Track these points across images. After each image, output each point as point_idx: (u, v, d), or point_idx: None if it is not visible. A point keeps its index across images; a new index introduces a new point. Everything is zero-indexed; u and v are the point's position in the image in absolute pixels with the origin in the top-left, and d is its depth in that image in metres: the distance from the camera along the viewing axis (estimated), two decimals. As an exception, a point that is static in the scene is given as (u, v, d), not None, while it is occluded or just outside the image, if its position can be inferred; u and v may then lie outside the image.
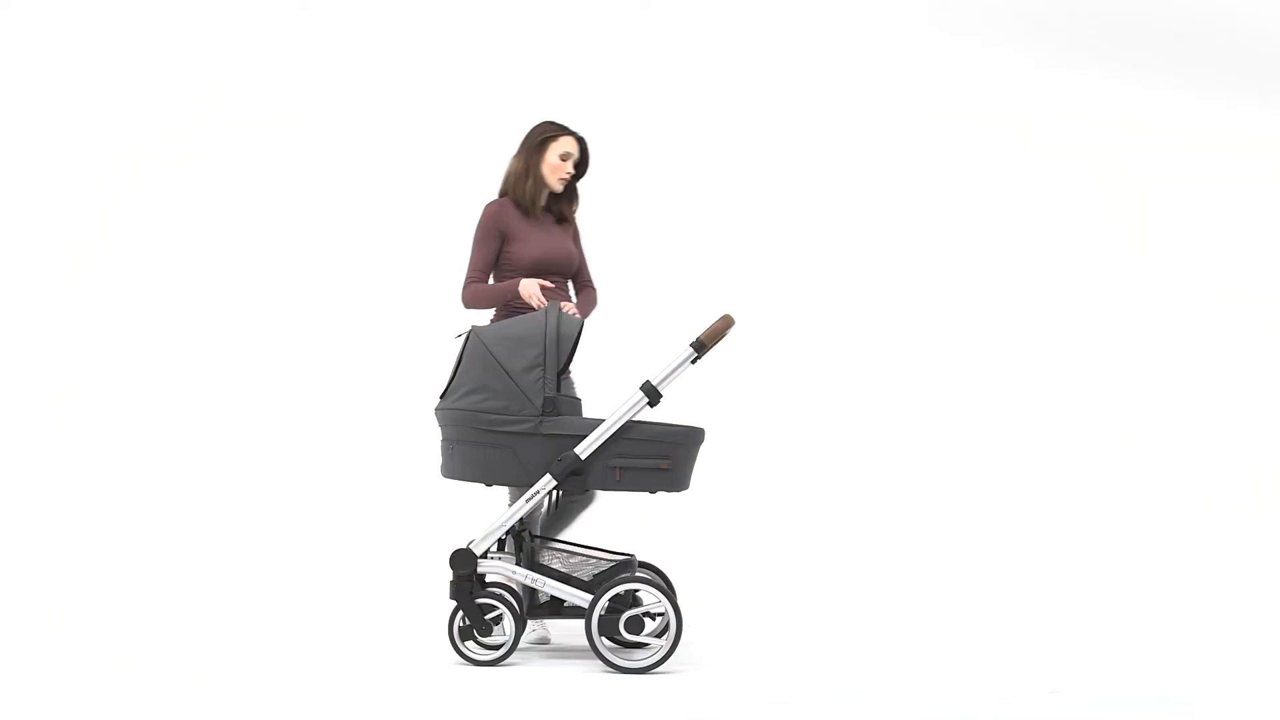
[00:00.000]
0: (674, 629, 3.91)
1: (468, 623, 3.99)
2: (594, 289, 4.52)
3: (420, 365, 6.03)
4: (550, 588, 4.00)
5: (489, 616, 3.99)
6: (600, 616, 3.92)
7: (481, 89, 6.28)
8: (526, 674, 3.91)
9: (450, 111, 6.27)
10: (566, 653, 4.20)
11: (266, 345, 6.05)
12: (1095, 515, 5.88)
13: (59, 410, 5.95)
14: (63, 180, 6.11)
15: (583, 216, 4.55)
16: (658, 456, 3.90)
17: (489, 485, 4.09)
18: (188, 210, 6.15)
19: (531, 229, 4.35)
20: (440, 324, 6.06)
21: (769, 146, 6.26)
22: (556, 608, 4.06)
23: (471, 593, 3.99)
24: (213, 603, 4.87)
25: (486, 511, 4.22)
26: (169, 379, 6.02)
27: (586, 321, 4.33)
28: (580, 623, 3.99)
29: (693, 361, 4.09)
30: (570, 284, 4.50)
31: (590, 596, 3.95)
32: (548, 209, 4.42)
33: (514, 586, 4.14)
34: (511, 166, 4.42)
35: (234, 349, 6.05)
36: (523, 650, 4.16)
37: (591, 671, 3.93)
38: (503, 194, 4.43)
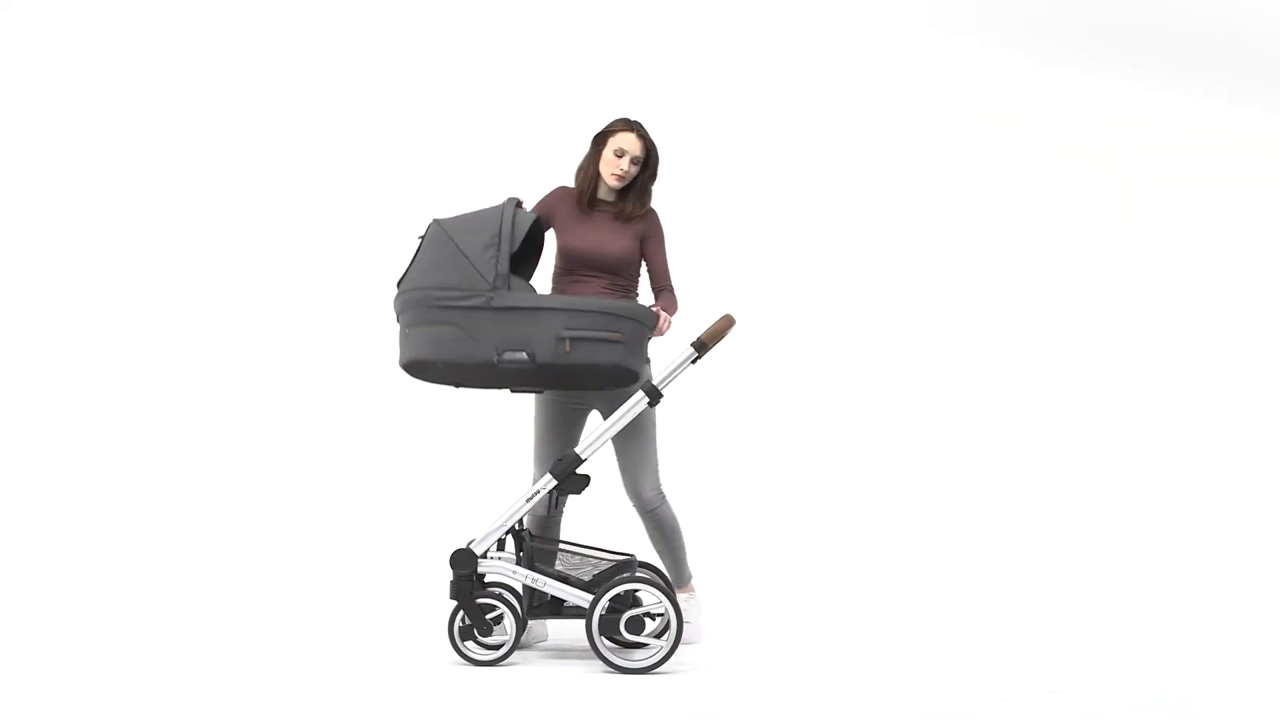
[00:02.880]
0: (674, 629, 3.91)
1: (468, 623, 3.99)
2: (670, 291, 4.33)
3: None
4: (550, 588, 4.00)
5: (489, 616, 3.99)
6: (601, 616, 3.92)
7: (481, 89, 6.28)
8: (526, 674, 3.91)
9: (450, 111, 6.26)
10: (566, 653, 4.20)
11: (267, 345, 6.04)
12: (1095, 515, 5.88)
13: (59, 410, 5.94)
14: (63, 180, 6.11)
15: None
16: (607, 329, 3.88)
17: (450, 372, 3.98)
18: (188, 210, 6.14)
19: (575, 221, 4.27)
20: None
21: (769, 146, 6.25)
22: (556, 608, 4.06)
23: (472, 593, 3.99)
24: (213, 603, 4.87)
25: (486, 511, 4.22)
26: (169, 379, 6.01)
27: (661, 324, 4.17)
28: (580, 623, 3.99)
29: (693, 361, 4.10)
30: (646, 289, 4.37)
31: (590, 596, 3.95)
32: (616, 206, 4.31)
33: (514, 586, 4.14)
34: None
35: (234, 349, 6.04)
36: (523, 650, 4.16)
37: (591, 671, 3.93)
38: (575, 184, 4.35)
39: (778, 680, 3.90)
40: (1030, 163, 6.36)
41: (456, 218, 4.01)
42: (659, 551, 4.35)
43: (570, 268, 4.28)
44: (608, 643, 3.94)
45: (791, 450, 6.06)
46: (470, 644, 4.01)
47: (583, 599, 3.97)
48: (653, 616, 3.95)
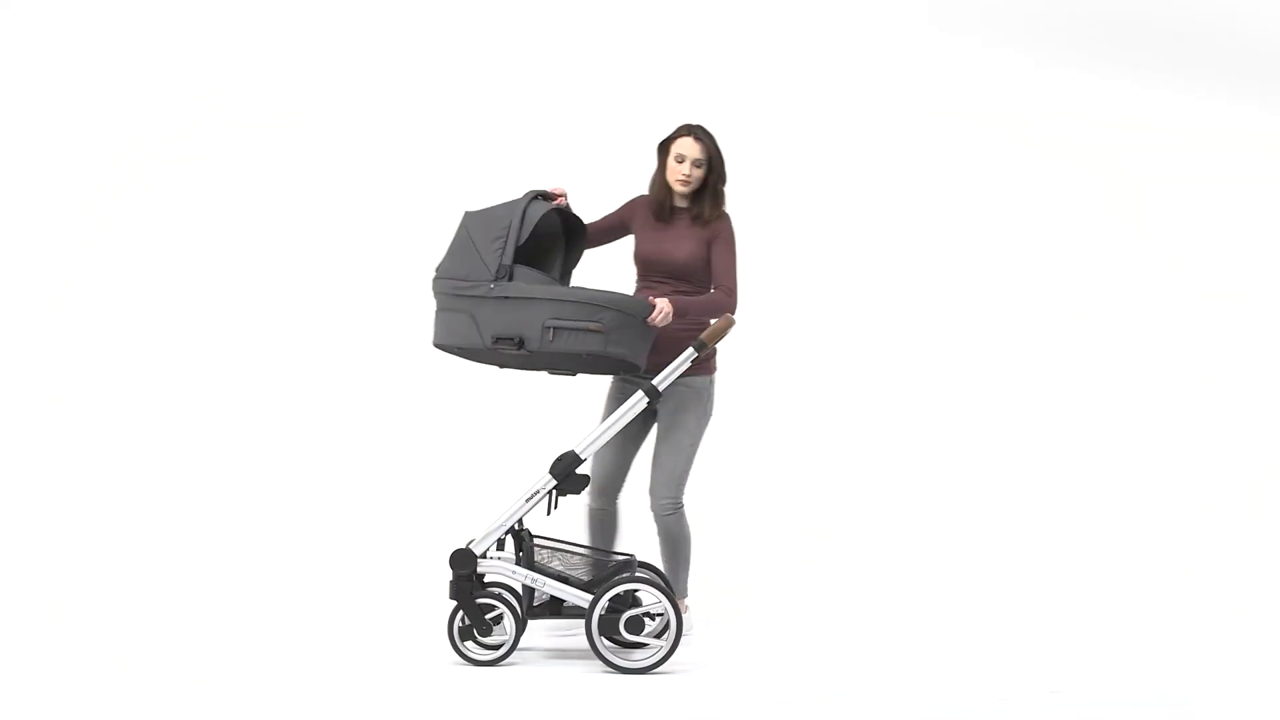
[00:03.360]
0: (674, 629, 3.91)
1: (468, 623, 3.99)
2: (720, 293, 4.28)
3: (420, 365, 6.03)
4: (550, 588, 4.01)
5: (489, 616, 3.99)
6: (600, 616, 3.92)
7: (481, 89, 6.28)
8: (526, 674, 3.91)
9: (450, 111, 6.26)
10: (566, 653, 4.20)
11: (267, 345, 6.04)
12: (1095, 515, 5.87)
13: (59, 410, 5.94)
14: (63, 180, 6.11)
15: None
16: (589, 319, 3.95)
17: (454, 351, 4.18)
18: (187, 210, 6.14)
19: (650, 229, 4.34)
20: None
21: (769, 146, 6.24)
22: (556, 608, 4.06)
23: (471, 593, 3.99)
24: (213, 603, 4.87)
25: (486, 511, 4.22)
26: (169, 379, 6.01)
27: (698, 321, 4.23)
28: (579, 623, 3.99)
29: (693, 361, 4.10)
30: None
31: (590, 596, 3.95)
32: (689, 211, 4.34)
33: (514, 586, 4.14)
34: None
35: (234, 348, 6.04)
36: (523, 650, 4.15)
37: (591, 671, 3.93)
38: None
39: (777, 680, 3.90)
40: (1030, 163, 6.35)
41: (481, 210, 4.14)
42: (662, 558, 4.35)
43: (643, 273, 4.36)
44: (607, 643, 3.94)
45: (792, 450, 6.06)
46: (470, 644, 4.01)
47: (582, 599, 3.97)
48: (652, 616, 3.96)
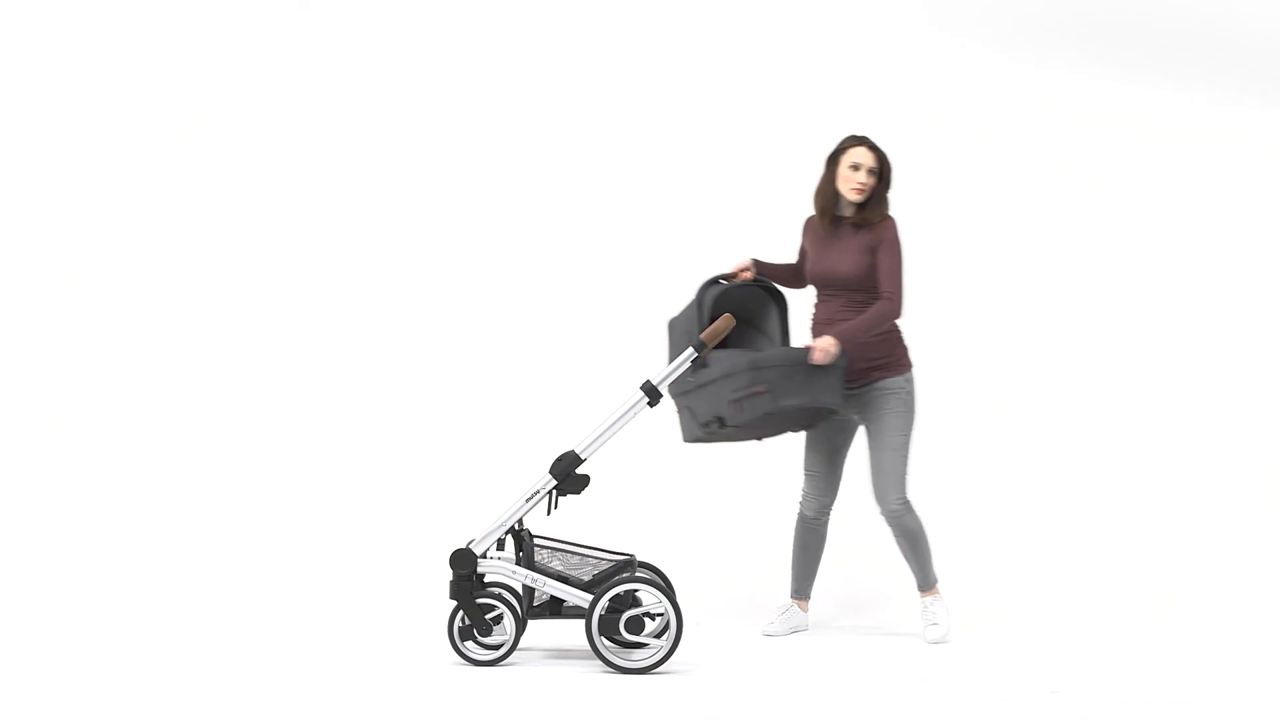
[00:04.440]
0: (674, 629, 3.92)
1: (468, 623, 3.99)
2: (885, 299, 4.39)
3: (420, 364, 6.03)
4: (550, 588, 4.01)
5: (489, 616, 3.99)
6: (600, 616, 3.92)
7: (481, 89, 6.27)
8: (526, 674, 3.91)
9: (450, 111, 6.26)
10: (566, 653, 4.20)
11: (266, 344, 6.03)
12: (1094, 515, 5.87)
13: (58, 410, 5.94)
14: (62, 180, 6.10)
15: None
16: (752, 385, 4.09)
17: (690, 441, 4.41)
18: (187, 210, 6.14)
19: (820, 245, 4.50)
20: (441, 323, 6.08)
21: (769, 146, 6.24)
22: (556, 608, 4.06)
23: (471, 593, 3.99)
24: (213, 603, 4.87)
25: (486, 511, 4.22)
26: (169, 379, 6.00)
27: (866, 329, 4.39)
28: (580, 623, 3.99)
29: (693, 361, 4.11)
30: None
31: (590, 596, 3.96)
32: (855, 220, 4.45)
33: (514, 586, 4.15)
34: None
35: (234, 348, 6.03)
36: (523, 650, 4.16)
37: (591, 671, 3.93)
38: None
39: (777, 680, 3.90)
40: (1030, 163, 6.35)
41: (679, 313, 4.40)
42: (904, 555, 4.55)
43: (818, 288, 4.52)
44: (607, 643, 3.94)
45: (792, 449, 6.05)
46: (470, 644, 4.01)
47: (582, 599, 3.97)
48: (652, 616, 3.96)
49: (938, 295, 6.31)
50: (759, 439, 4.44)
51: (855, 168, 4.40)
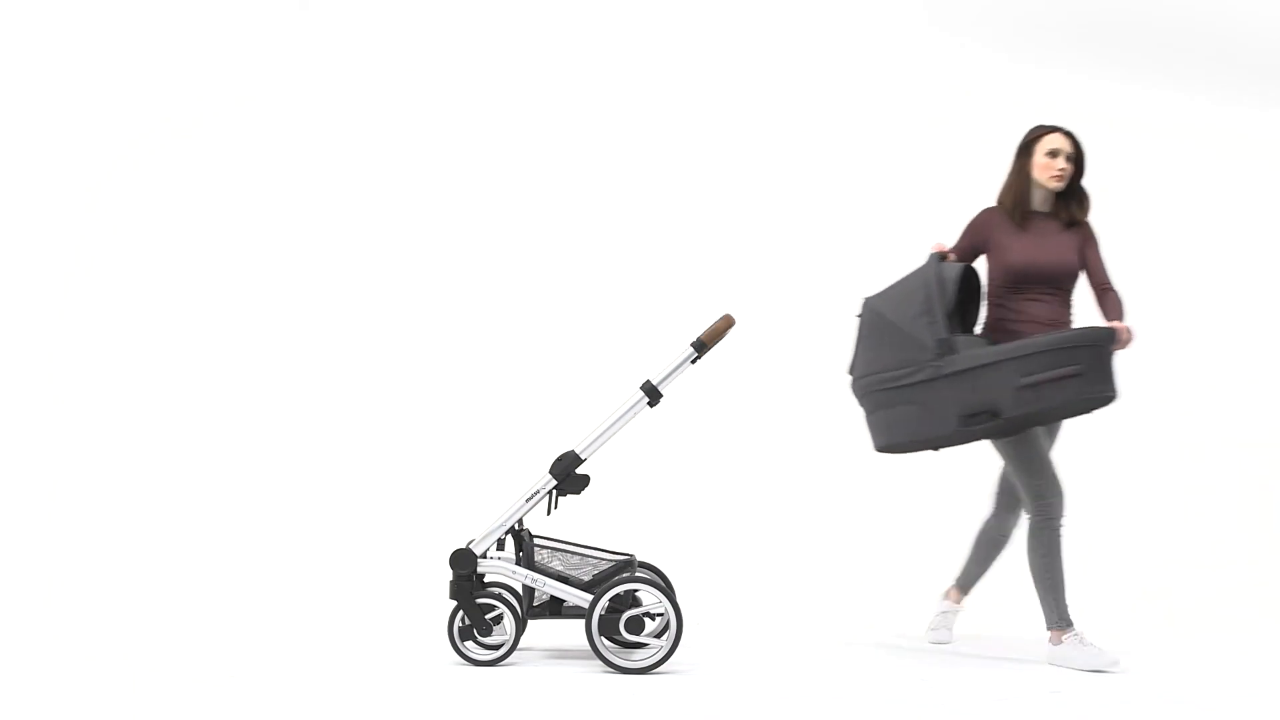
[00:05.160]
0: (674, 629, 3.91)
1: (468, 623, 3.99)
2: (1113, 291, 4.23)
3: (420, 365, 6.03)
4: (550, 588, 4.01)
5: (489, 616, 3.99)
6: (600, 616, 3.92)
7: (481, 89, 6.28)
8: (526, 674, 3.91)
9: (450, 111, 6.27)
10: (566, 653, 4.20)
11: (267, 345, 6.04)
12: (1094, 515, 5.87)
13: (59, 409, 5.94)
14: (63, 180, 6.11)
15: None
16: (1065, 364, 3.80)
17: (918, 448, 4.06)
18: (187, 210, 6.14)
19: (1014, 237, 4.20)
20: (441, 323, 6.09)
21: (769, 146, 6.25)
22: (556, 608, 4.06)
23: (471, 593, 3.99)
24: (213, 603, 4.87)
25: (486, 511, 4.22)
26: (169, 379, 6.01)
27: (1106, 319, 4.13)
28: (580, 623, 3.99)
29: (693, 361, 4.11)
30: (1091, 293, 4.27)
31: (590, 596, 3.96)
32: (1055, 215, 4.27)
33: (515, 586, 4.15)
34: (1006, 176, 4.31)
35: (234, 348, 6.04)
36: (523, 650, 4.16)
37: (591, 671, 3.93)
38: (999, 203, 4.32)
39: (777, 680, 3.90)
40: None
41: (885, 291, 4.03)
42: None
43: (1013, 283, 4.19)
44: (607, 643, 3.94)
45: (792, 449, 6.06)
46: (470, 644, 4.01)
47: (582, 599, 3.97)
48: (652, 616, 3.96)
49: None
50: (1006, 437, 4.02)
51: (1054, 154, 4.23)
